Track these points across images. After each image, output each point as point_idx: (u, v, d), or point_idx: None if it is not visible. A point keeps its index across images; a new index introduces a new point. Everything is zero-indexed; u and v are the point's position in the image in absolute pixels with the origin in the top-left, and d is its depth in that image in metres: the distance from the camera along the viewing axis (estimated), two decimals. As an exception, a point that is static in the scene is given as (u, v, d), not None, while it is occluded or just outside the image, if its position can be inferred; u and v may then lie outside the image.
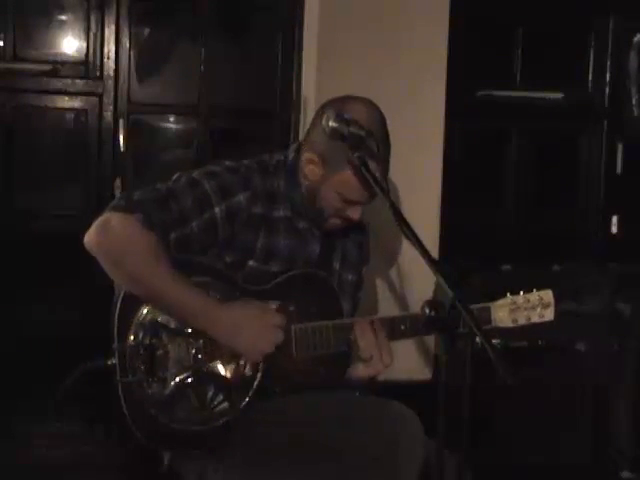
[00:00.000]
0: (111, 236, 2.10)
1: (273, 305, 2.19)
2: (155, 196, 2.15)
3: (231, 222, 2.20)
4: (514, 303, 2.34)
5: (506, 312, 2.34)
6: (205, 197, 2.18)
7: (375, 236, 2.59)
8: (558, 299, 2.38)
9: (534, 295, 2.36)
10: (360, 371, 2.25)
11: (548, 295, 2.36)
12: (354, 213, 2.27)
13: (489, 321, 2.32)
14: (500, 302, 2.34)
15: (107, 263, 2.11)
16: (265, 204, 2.26)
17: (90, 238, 2.11)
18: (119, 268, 2.11)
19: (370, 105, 2.28)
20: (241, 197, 2.21)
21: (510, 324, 2.35)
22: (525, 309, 2.35)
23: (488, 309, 2.33)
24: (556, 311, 2.36)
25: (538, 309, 2.35)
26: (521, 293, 2.35)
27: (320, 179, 2.24)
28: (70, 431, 3.31)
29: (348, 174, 2.19)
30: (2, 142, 3.65)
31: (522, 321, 2.35)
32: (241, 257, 2.24)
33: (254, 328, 2.13)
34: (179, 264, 2.13)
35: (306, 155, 2.26)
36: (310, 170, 2.25)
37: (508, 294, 2.35)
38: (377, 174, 2.12)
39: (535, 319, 2.36)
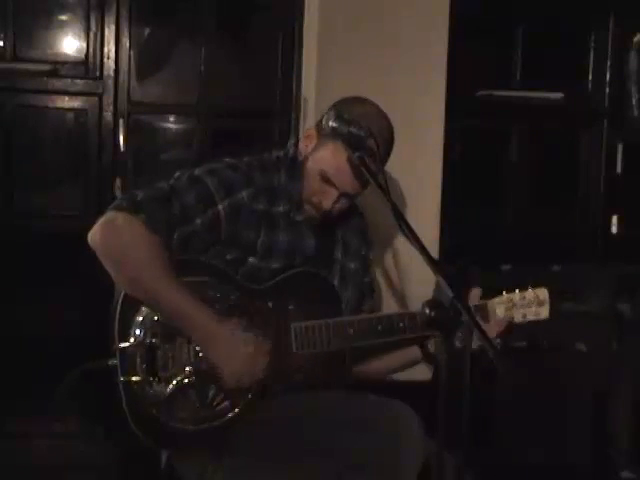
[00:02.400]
0: (115, 237, 2.10)
1: (267, 347, 2.18)
2: (158, 195, 2.16)
3: (234, 219, 2.21)
4: (510, 301, 2.35)
5: (502, 310, 2.34)
6: (208, 194, 2.18)
7: (375, 236, 2.59)
8: (558, 299, 2.38)
9: (530, 293, 2.36)
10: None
11: (544, 293, 2.37)
12: (326, 200, 2.27)
13: (486, 319, 2.33)
14: (496, 300, 2.35)
15: (109, 263, 2.12)
16: (266, 200, 2.27)
17: (95, 237, 2.12)
18: (121, 269, 2.11)
19: (374, 107, 2.29)
20: (244, 194, 2.22)
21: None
22: (521, 307, 2.35)
23: (485, 306, 2.33)
24: (551, 309, 2.37)
25: (534, 307, 2.36)
26: (517, 291, 2.36)
27: (309, 152, 2.26)
28: (70, 431, 3.30)
29: (332, 150, 2.21)
30: (2, 142, 3.65)
31: (518, 318, 2.36)
32: (242, 254, 2.24)
33: (240, 361, 2.13)
34: (180, 263, 2.13)
35: (306, 130, 2.30)
36: (305, 145, 2.29)
37: (504, 292, 2.36)
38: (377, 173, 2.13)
39: (531, 317, 2.36)
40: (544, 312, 2.37)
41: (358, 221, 2.49)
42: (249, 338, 2.15)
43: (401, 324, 2.27)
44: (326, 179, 2.25)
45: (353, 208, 2.39)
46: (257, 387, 2.18)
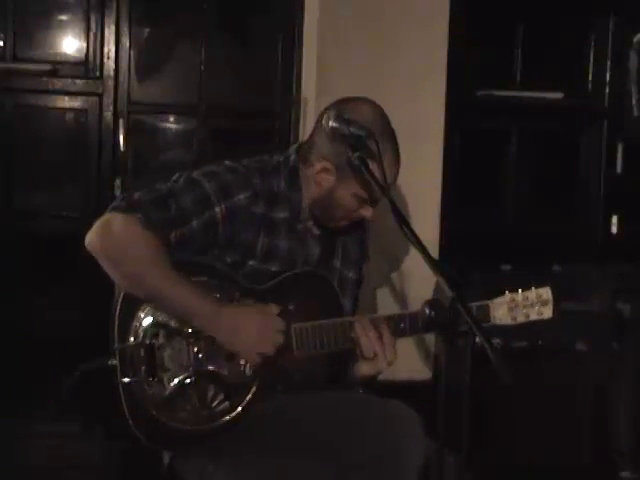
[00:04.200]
0: (112, 237, 2.10)
1: (275, 309, 2.19)
2: (155, 196, 2.16)
3: (231, 222, 2.20)
4: (513, 301, 2.34)
5: (505, 310, 2.33)
6: (205, 197, 2.18)
7: (375, 236, 2.59)
8: (558, 299, 2.37)
9: (532, 292, 2.35)
10: (363, 369, 2.25)
11: (547, 292, 2.36)
12: (367, 212, 2.28)
13: (488, 319, 2.32)
14: (499, 300, 2.34)
15: (108, 264, 2.11)
16: (265, 204, 2.26)
17: (91, 239, 2.12)
18: (120, 269, 2.11)
19: (372, 105, 2.28)
20: (241, 197, 2.21)
21: (509, 322, 2.34)
22: (524, 307, 2.34)
23: (487, 307, 2.32)
24: (555, 308, 2.36)
25: (537, 307, 2.35)
26: (519, 291, 2.35)
27: (334, 184, 2.25)
28: (70, 431, 3.31)
29: (356, 181, 2.21)
30: (2, 142, 3.65)
31: (521, 319, 2.34)
32: (241, 257, 2.24)
33: (254, 330, 2.14)
34: (179, 264, 2.13)
35: (318, 165, 2.25)
36: (324, 178, 2.25)
37: (507, 292, 2.34)
38: (377, 174, 2.13)
39: (534, 317, 2.35)
40: (547, 312, 2.35)
41: (360, 230, 2.46)
42: (254, 313, 2.14)
43: (402, 325, 2.27)
44: (365, 201, 2.26)
45: None
46: (258, 387, 2.18)
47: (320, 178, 2.26)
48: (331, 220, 2.31)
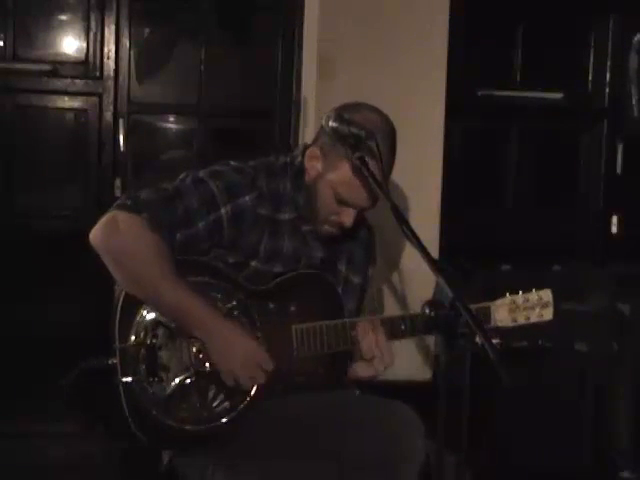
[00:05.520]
0: (117, 235, 2.10)
1: (265, 351, 2.17)
2: (161, 196, 2.15)
3: (237, 223, 2.20)
4: (513, 303, 2.34)
5: (505, 312, 2.33)
6: (211, 197, 2.18)
7: (376, 236, 2.58)
8: (558, 299, 2.38)
9: (533, 295, 2.35)
10: (361, 371, 2.25)
11: (547, 295, 2.36)
12: (346, 218, 2.25)
13: (489, 321, 2.32)
14: (499, 302, 2.34)
15: (111, 262, 2.11)
16: (270, 206, 2.25)
17: (96, 236, 2.12)
18: (122, 268, 2.11)
19: (375, 110, 2.28)
20: (247, 198, 2.21)
21: (510, 324, 2.34)
22: (524, 309, 2.34)
23: (487, 309, 2.33)
24: (555, 311, 2.36)
25: (537, 309, 2.35)
26: (520, 293, 2.35)
27: (319, 174, 2.24)
28: (70, 431, 3.31)
29: (345, 171, 2.19)
30: (2, 142, 3.65)
31: (521, 321, 2.35)
32: (244, 258, 2.23)
33: (241, 359, 2.12)
34: (181, 264, 2.13)
35: (309, 151, 2.27)
36: (311, 166, 2.26)
37: (507, 294, 2.35)
38: (377, 174, 2.13)
39: (534, 319, 2.35)
40: (547, 314, 2.36)
41: (365, 234, 2.45)
42: (250, 341, 2.14)
43: (402, 326, 2.27)
44: (343, 201, 2.24)
45: (361, 220, 2.37)
46: (258, 387, 2.18)
47: (309, 165, 2.26)
48: (316, 222, 2.29)
